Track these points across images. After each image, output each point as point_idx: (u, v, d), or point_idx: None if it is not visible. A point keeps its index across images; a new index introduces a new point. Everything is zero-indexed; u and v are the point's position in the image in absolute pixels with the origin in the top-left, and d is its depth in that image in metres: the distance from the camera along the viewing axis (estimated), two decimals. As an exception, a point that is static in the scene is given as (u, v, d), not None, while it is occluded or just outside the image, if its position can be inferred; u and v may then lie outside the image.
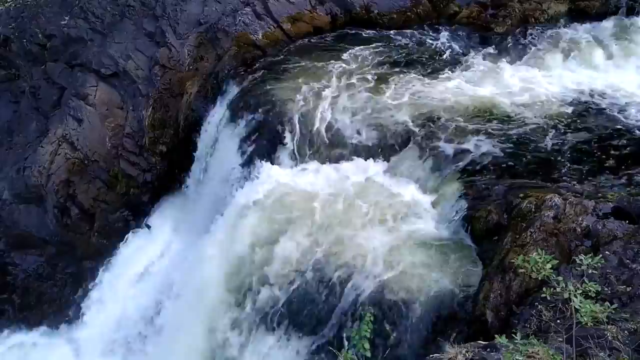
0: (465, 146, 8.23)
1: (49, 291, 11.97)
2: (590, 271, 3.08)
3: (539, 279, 5.07)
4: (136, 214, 11.77)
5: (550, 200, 6.29)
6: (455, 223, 7.19)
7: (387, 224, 7.39)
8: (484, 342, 4.02)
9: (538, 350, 3.41)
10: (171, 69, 11.47)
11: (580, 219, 6.10)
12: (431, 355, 3.99)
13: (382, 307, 6.32)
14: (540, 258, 3.02)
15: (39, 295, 11.99)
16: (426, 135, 8.57)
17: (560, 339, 4.14)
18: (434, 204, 7.65)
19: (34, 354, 11.16)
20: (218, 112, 10.47)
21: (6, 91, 12.84)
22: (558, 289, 2.95)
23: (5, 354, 11.19)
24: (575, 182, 7.24)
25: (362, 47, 10.98)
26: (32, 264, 11.98)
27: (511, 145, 8.18)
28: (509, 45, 10.90)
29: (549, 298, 3.10)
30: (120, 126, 11.68)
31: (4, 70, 12.91)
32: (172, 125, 11.49)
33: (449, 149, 8.23)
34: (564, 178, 7.42)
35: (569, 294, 2.94)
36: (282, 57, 10.95)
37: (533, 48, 10.80)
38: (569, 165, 7.71)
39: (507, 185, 7.30)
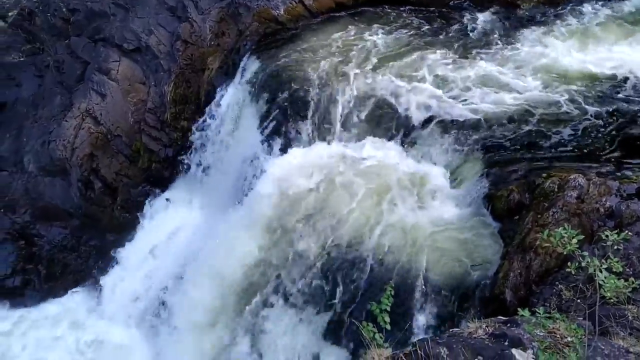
0: (487, 125, 8.15)
1: (73, 262, 12.23)
2: (615, 247, 3.08)
3: (562, 256, 5.08)
4: (158, 188, 11.93)
5: (574, 180, 6.24)
6: (476, 202, 7.17)
7: (407, 202, 7.39)
8: (504, 318, 4.05)
9: (559, 326, 3.43)
10: (193, 45, 11.50)
11: (604, 199, 6.05)
12: (451, 330, 4.03)
13: (402, 283, 6.38)
14: (566, 233, 3.02)
15: (63, 266, 12.25)
16: (448, 114, 8.49)
17: (580, 318, 4.15)
18: (455, 183, 7.63)
19: (57, 323, 11.40)
20: (239, 89, 10.49)
21: (31, 65, 12.99)
22: (583, 264, 2.95)
23: (30, 322, 11.47)
24: (599, 163, 7.15)
25: (384, 23, 10.88)
26: (57, 236, 12.24)
27: (534, 125, 8.08)
28: (535, 22, 10.69)
29: (573, 273, 3.11)
30: (143, 101, 11.79)
31: (29, 44, 13.06)
32: (193, 101, 11.55)
33: (470, 127, 8.16)
34: (587, 159, 7.32)
35: (594, 269, 2.94)
36: (303, 33, 10.89)
37: (560, 26, 10.56)
38: (592, 146, 7.59)
39: (530, 164, 7.24)
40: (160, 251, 11.02)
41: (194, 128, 11.28)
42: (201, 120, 11.22)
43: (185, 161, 11.57)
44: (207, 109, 11.02)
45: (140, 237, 11.36)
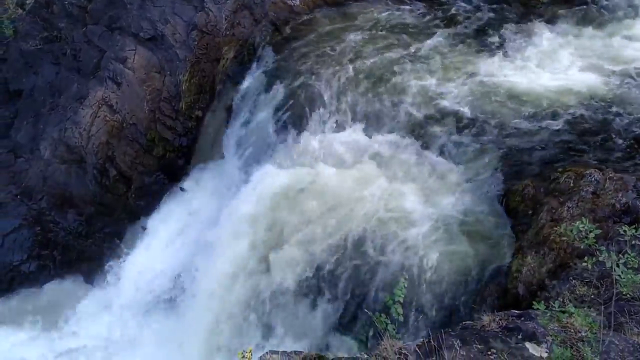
0: (502, 120, 8.10)
1: (87, 249, 12.36)
2: (632, 242, 3.07)
3: (576, 252, 5.06)
4: (172, 177, 12.01)
5: (590, 175, 6.20)
6: (490, 196, 7.14)
7: (420, 195, 7.38)
8: (517, 311, 4.05)
9: (573, 321, 3.42)
10: (208, 34, 11.52)
11: (620, 195, 5.99)
12: (464, 322, 4.04)
13: (416, 276, 6.38)
14: (583, 226, 3.01)
15: (78, 253, 12.39)
16: (463, 108, 8.44)
17: (594, 313, 4.14)
18: (469, 177, 7.59)
19: (73, 308, 11.54)
20: (254, 79, 10.50)
21: (48, 53, 13.08)
22: (601, 258, 2.94)
23: (43, 304, 11.63)
24: (616, 158, 7.08)
25: (403, 14, 10.80)
26: (72, 223, 12.35)
27: (549, 120, 8.01)
28: (551, 19, 10.55)
29: (590, 267, 3.10)
30: (158, 90, 11.84)
31: (46, 32, 13.14)
32: (208, 90, 11.59)
33: (485, 122, 8.10)
34: (604, 154, 7.25)
35: (611, 263, 2.93)
36: (319, 22, 10.86)
37: (579, 18, 10.42)
38: (609, 141, 7.51)
39: (545, 159, 7.19)
40: (172, 240, 11.09)
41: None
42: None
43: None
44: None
45: (154, 226, 11.45)
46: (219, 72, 11.42)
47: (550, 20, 10.43)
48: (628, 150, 7.35)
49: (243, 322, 8.12)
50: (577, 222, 3.03)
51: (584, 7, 10.63)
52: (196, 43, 11.50)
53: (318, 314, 7.10)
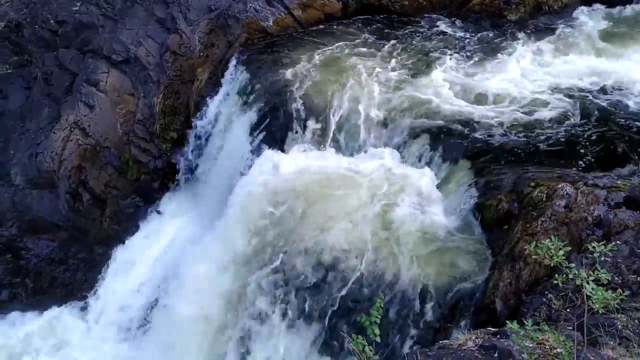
0: (476, 135, 8.19)
1: (61, 276, 12.11)
2: (602, 259, 3.08)
3: (551, 266, 5.10)
4: (147, 200, 11.86)
5: (562, 189, 6.26)
6: (465, 211, 7.18)
7: (397, 212, 7.38)
8: (494, 329, 4.03)
9: (548, 337, 3.42)
10: (182, 56, 11.49)
11: (592, 208, 6.07)
12: (441, 341, 4.01)
13: (392, 294, 6.36)
14: (552, 244, 3.02)
15: (51, 280, 12.13)
16: (438, 124, 8.53)
17: (570, 327, 4.15)
18: (444, 193, 7.63)
19: (45, 338, 11.26)
20: (229, 99, 10.48)
21: (18, 77, 12.90)
22: (570, 276, 2.95)
23: (18, 339, 11.33)
24: (586, 172, 7.20)
25: (373, 34, 10.94)
26: (44, 249, 12.11)
27: (522, 135, 8.14)
28: (522, 33, 10.80)
29: (560, 285, 3.11)
30: (132, 112, 11.74)
31: (16, 56, 12.97)
32: (182, 112, 11.53)
33: (460, 138, 8.19)
34: (575, 168, 7.38)
35: (581, 280, 2.94)
36: (292, 43, 10.92)
37: (546, 36, 10.70)
38: (579, 155, 7.66)
39: (519, 174, 7.27)
40: (149, 265, 10.92)
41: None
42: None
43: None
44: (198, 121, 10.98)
45: (130, 251, 11.26)
46: (193, 94, 11.37)
47: (518, 35, 10.68)
48: (600, 163, 7.49)
49: (221, 346, 8.00)
50: (547, 240, 3.04)
51: (549, 22, 10.92)
52: (170, 65, 11.45)
53: (296, 333, 7.01)
